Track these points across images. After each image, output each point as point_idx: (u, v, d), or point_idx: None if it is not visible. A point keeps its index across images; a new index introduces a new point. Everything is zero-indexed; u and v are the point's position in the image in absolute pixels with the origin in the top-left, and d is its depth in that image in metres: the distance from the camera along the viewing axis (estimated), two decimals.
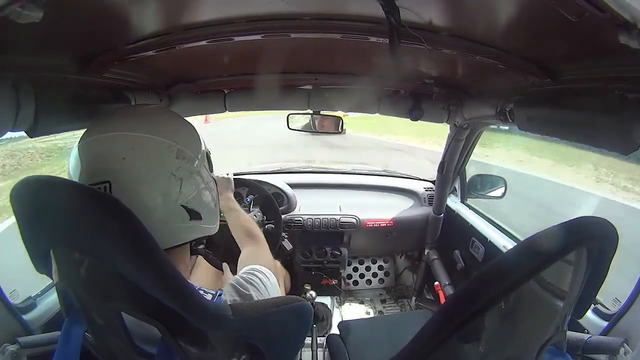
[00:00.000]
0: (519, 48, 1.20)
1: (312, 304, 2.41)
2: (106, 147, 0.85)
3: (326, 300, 2.96)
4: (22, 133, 1.01)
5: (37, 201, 0.74)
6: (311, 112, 2.22)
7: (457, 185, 2.93)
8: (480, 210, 2.71)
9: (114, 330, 0.81)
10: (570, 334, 1.13)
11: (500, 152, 10.13)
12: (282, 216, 2.07)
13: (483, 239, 2.40)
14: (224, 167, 2.27)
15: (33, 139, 1.08)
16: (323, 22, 1.18)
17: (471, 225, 2.58)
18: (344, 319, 2.74)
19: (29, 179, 0.74)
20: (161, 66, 1.59)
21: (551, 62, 1.19)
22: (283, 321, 0.89)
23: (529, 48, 1.17)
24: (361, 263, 3.42)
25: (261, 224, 2.15)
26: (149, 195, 0.84)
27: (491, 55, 1.22)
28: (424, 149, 12.15)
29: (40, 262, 0.86)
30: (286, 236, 2.63)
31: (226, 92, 2.09)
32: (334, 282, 3.13)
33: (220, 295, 0.94)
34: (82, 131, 0.91)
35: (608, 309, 1.30)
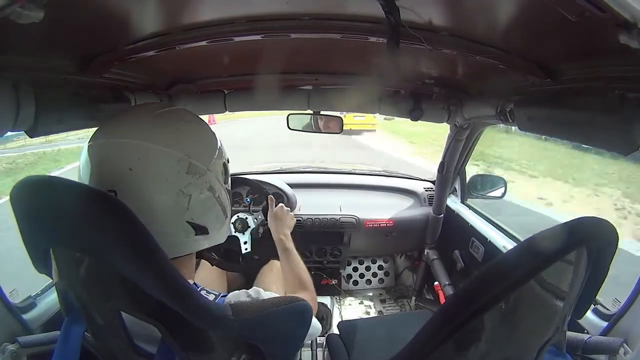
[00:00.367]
0: (519, 48, 1.20)
1: None
2: (114, 154, 0.84)
3: (326, 300, 2.96)
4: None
5: (37, 201, 0.74)
6: (311, 112, 2.22)
7: (457, 185, 2.93)
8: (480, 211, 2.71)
9: (113, 329, 0.81)
10: (570, 334, 1.13)
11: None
12: (271, 194, 2.06)
13: (483, 239, 2.40)
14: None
15: None
16: (323, 22, 1.18)
17: (471, 225, 2.58)
18: (343, 319, 2.76)
19: (28, 179, 0.74)
20: (161, 66, 1.59)
21: (551, 62, 1.19)
22: (283, 321, 0.89)
23: (529, 48, 1.17)
24: (361, 263, 3.42)
25: (262, 224, 2.15)
26: (153, 210, 0.83)
27: (491, 55, 1.22)
28: None
29: (40, 262, 0.86)
30: None
31: (226, 92, 2.09)
32: (334, 282, 3.13)
33: (223, 296, 0.94)
34: (82, 131, 0.91)
35: (608, 309, 1.30)
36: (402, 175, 3.45)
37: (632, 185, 9.08)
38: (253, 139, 15.43)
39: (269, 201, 1.96)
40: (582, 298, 0.90)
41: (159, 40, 1.20)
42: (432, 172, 2.69)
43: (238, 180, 2.31)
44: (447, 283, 2.77)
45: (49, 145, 13.02)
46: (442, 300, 2.73)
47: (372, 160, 11.17)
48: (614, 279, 0.97)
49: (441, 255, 3.01)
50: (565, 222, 0.76)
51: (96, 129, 0.91)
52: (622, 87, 0.94)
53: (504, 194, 2.69)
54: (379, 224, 2.96)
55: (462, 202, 2.91)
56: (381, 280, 3.42)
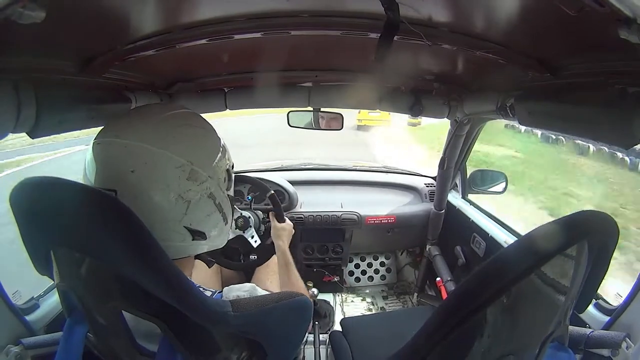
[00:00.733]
0: (519, 43, 1.19)
1: (314, 301, 2.42)
2: (117, 154, 0.85)
3: (328, 297, 2.97)
4: None
5: (37, 202, 0.74)
6: (312, 109, 2.22)
7: (458, 180, 2.93)
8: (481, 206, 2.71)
9: (115, 329, 0.81)
10: (572, 328, 1.13)
11: None
12: (272, 191, 2.07)
13: (484, 235, 2.40)
14: None
15: None
16: (323, 19, 1.17)
17: (472, 221, 2.58)
18: (346, 316, 2.77)
19: (28, 181, 0.74)
20: (161, 65, 1.59)
21: (551, 57, 1.19)
22: (283, 316, 0.90)
23: (529, 43, 1.17)
24: (363, 260, 3.43)
25: (263, 222, 2.16)
26: (150, 213, 0.84)
27: (491, 51, 1.22)
28: None
29: (41, 264, 0.86)
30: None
31: (227, 90, 2.08)
32: (336, 279, 3.14)
33: (219, 293, 0.95)
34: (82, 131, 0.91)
35: (609, 303, 1.30)
36: (402, 171, 3.45)
37: None
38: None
39: (270, 216, 1.99)
40: (584, 292, 0.90)
41: (159, 39, 1.20)
42: None
43: (239, 178, 2.31)
44: (449, 279, 2.77)
45: None
46: (445, 296, 2.73)
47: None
48: None
49: (443, 251, 3.01)
50: (565, 216, 0.76)
51: (101, 128, 0.91)
52: (622, 82, 0.94)
53: (504, 188, 2.70)
54: (381, 221, 2.96)
55: (463, 197, 2.91)
56: (383, 277, 3.43)
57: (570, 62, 1.16)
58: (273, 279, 1.99)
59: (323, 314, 2.70)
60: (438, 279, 2.84)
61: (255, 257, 2.04)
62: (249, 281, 1.21)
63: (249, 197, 2.35)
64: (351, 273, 3.40)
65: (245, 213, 2.05)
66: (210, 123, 1.03)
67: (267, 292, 0.99)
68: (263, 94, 2.06)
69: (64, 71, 1.15)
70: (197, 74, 1.93)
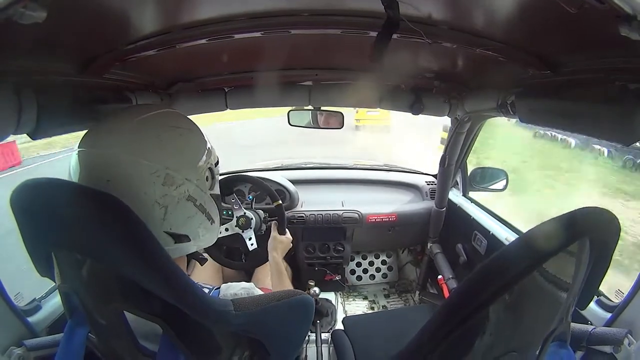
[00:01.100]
0: (519, 40, 1.19)
1: (316, 299, 2.42)
2: (94, 164, 0.84)
3: (330, 295, 2.96)
4: None
5: (37, 204, 0.74)
6: (312, 108, 2.22)
7: (458, 178, 2.93)
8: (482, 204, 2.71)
9: (117, 330, 0.81)
10: (574, 325, 1.13)
11: None
12: (280, 201, 2.08)
13: (485, 232, 2.40)
14: None
15: None
16: (323, 18, 1.17)
17: (473, 218, 2.58)
18: (348, 315, 2.76)
19: (28, 182, 0.74)
20: (161, 65, 1.59)
21: (551, 54, 1.19)
22: (285, 314, 0.90)
23: (529, 40, 1.17)
24: (364, 258, 3.42)
25: (264, 221, 2.16)
26: None
27: (491, 48, 1.22)
28: None
29: (42, 265, 0.86)
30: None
31: (227, 90, 2.08)
32: (338, 277, 3.13)
33: (217, 289, 0.95)
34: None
35: (611, 300, 1.31)
36: (403, 169, 3.44)
37: None
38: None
39: (272, 226, 2.00)
40: (586, 289, 0.90)
41: (159, 39, 1.20)
42: None
43: (240, 178, 2.31)
44: (450, 276, 2.77)
45: None
46: (446, 293, 2.73)
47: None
48: None
49: (444, 249, 3.01)
50: (566, 213, 0.76)
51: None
52: (622, 78, 0.94)
53: (505, 186, 2.69)
54: (382, 219, 2.96)
55: (464, 195, 2.91)
56: (385, 275, 3.43)
57: (571, 59, 1.16)
58: (269, 274, 2.00)
59: (325, 312, 2.70)
60: (440, 276, 2.84)
61: (244, 260, 2.06)
62: (249, 281, 1.22)
63: (250, 197, 2.35)
64: (353, 272, 3.39)
65: (249, 213, 2.06)
66: (193, 121, 1.01)
67: (262, 288, 1.00)
68: (263, 93, 2.06)
69: (65, 72, 1.16)
70: (198, 74, 1.93)
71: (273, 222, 2.02)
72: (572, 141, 12.17)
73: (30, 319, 1.28)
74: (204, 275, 1.94)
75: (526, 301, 0.79)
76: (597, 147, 11.08)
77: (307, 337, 2.20)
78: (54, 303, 1.40)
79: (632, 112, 0.88)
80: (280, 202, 2.05)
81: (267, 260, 1.87)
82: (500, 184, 2.71)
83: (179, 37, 1.21)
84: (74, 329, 0.87)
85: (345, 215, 2.91)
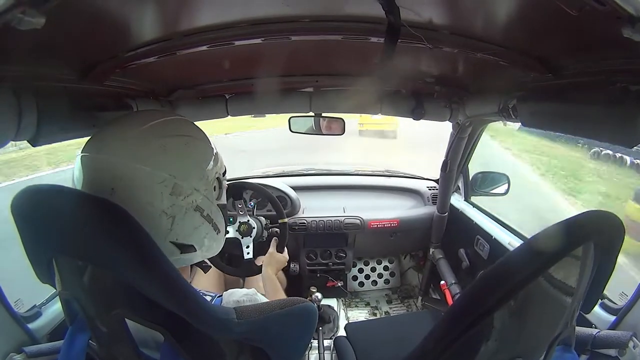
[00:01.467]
0: (520, 44, 1.19)
1: (318, 306, 2.41)
2: (98, 171, 0.83)
3: (332, 302, 2.96)
4: None
5: (38, 210, 0.74)
6: (313, 114, 2.22)
7: (460, 183, 2.92)
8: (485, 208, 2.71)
9: (118, 337, 0.81)
10: (579, 329, 1.13)
11: None
12: (286, 219, 2.08)
13: (488, 237, 2.39)
14: None
15: None
16: (323, 24, 1.17)
17: (475, 223, 2.58)
18: (350, 321, 2.75)
19: (29, 189, 0.74)
20: (162, 72, 1.59)
21: (552, 57, 1.19)
22: (288, 322, 0.89)
23: (530, 44, 1.17)
24: (366, 264, 3.41)
25: (265, 228, 2.15)
26: None
27: (492, 52, 1.22)
28: None
29: (43, 272, 0.86)
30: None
31: (228, 96, 2.08)
32: (340, 284, 3.12)
33: (219, 297, 0.94)
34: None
35: (615, 303, 1.30)
36: (405, 175, 3.44)
37: None
38: None
39: (272, 242, 2.02)
40: (590, 292, 0.90)
41: (159, 46, 1.20)
42: None
43: (241, 185, 2.31)
44: (453, 282, 2.76)
45: None
46: (449, 299, 2.72)
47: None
48: None
49: (446, 254, 3.00)
50: (571, 217, 0.76)
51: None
52: (624, 80, 0.94)
53: (507, 190, 2.69)
54: (384, 225, 2.96)
55: (466, 200, 2.90)
56: (387, 281, 3.41)
57: (572, 61, 1.15)
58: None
59: (327, 319, 2.69)
60: (442, 282, 2.83)
61: (237, 266, 2.08)
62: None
63: (252, 204, 2.35)
64: (355, 278, 3.38)
65: (252, 221, 2.06)
66: (201, 129, 1.01)
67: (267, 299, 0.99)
68: (264, 99, 2.06)
69: (65, 79, 1.16)
70: (198, 81, 1.93)
71: (274, 238, 2.03)
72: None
73: (30, 326, 1.28)
74: (205, 282, 1.93)
75: (531, 306, 0.78)
76: None
77: (309, 344, 2.19)
78: (55, 310, 1.39)
79: (634, 114, 0.88)
80: (286, 220, 2.06)
81: (260, 272, 1.88)
82: (502, 188, 2.70)
83: (179, 44, 1.21)
84: (75, 335, 0.87)
85: (347, 222, 2.90)
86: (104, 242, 0.68)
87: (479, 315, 0.69)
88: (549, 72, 1.22)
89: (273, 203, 2.14)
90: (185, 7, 1.05)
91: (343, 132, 2.32)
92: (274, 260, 1.88)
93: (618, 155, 9.75)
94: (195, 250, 0.94)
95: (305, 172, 3.54)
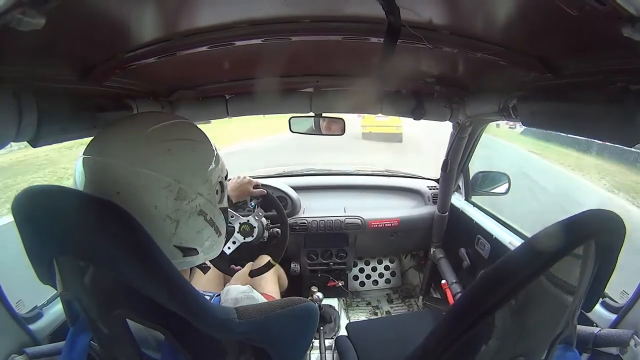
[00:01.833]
0: (520, 44, 1.19)
1: (319, 306, 2.41)
2: (102, 174, 0.83)
3: (333, 302, 2.95)
4: None
5: (40, 210, 0.74)
6: (313, 114, 2.22)
7: (460, 183, 2.92)
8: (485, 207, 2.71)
9: (119, 337, 0.81)
10: (580, 327, 1.13)
11: None
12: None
13: (488, 236, 2.40)
14: None
15: None
16: (324, 24, 1.17)
17: (476, 222, 2.58)
18: (351, 321, 2.75)
19: (30, 189, 0.74)
20: (162, 73, 1.59)
21: (552, 57, 1.19)
22: (289, 322, 0.89)
23: (530, 43, 1.17)
24: (367, 264, 3.42)
25: (267, 228, 2.16)
26: None
27: (492, 52, 1.22)
28: None
29: (44, 272, 0.85)
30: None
31: (228, 97, 2.08)
32: (341, 283, 3.12)
33: (217, 295, 0.95)
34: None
35: (616, 301, 1.30)
36: (405, 175, 3.44)
37: None
38: None
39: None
40: (591, 291, 0.90)
41: (159, 47, 1.20)
42: None
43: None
44: (454, 281, 2.76)
45: None
46: (450, 298, 2.72)
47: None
48: None
49: (447, 254, 3.00)
50: (572, 216, 0.76)
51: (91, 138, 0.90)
52: (624, 80, 0.94)
53: (508, 189, 2.69)
54: (384, 224, 2.96)
55: (467, 199, 2.90)
56: (388, 281, 3.42)
57: (572, 61, 1.15)
58: (274, 285, 2.04)
59: (328, 319, 2.69)
60: (443, 281, 2.83)
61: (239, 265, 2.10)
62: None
63: (252, 204, 2.35)
64: (356, 277, 3.39)
65: (252, 222, 2.06)
66: (203, 131, 1.01)
67: (263, 294, 0.99)
68: (265, 100, 2.05)
69: (65, 80, 1.15)
70: (198, 81, 1.93)
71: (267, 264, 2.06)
72: None
73: (31, 327, 1.28)
74: (205, 281, 1.94)
75: (532, 305, 0.78)
76: None
77: (310, 344, 2.19)
78: (56, 310, 1.39)
79: (634, 113, 0.88)
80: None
81: (228, 272, 1.92)
82: (502, 188, 2.70)
83: (179, 44, 1.21)
84: (76, 336, 0.87)
85: (348, 221, 2.90)
86: (105, 243, 0.68)
87: (480, 315, 0.69)
88: (549, 71, 1.22)
89: (274, 204, 2.14)
90: (185, 8, 1.05)
91: (343, 132, 2.32)
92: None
93: None
94: (198, 253, 0.95)
95: (305, 172, 3.54)
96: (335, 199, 3.16)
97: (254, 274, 2.00)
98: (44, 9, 0.62)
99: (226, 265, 2.01)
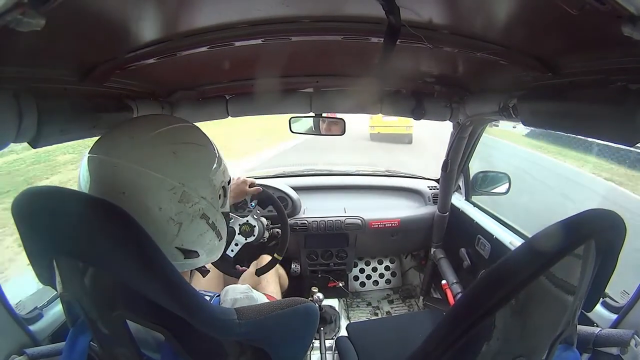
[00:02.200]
0: (520, 43, 1.19)
1: (319, 306, 2.41)
2: (109, 175, 0.83)
3: (333, 302, 2.95)
4: None
5: (40, 211, 0.74)
6: (313, 114, 2.22)
7: (461, 183, 2.92)
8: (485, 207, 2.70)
9: (119, 338, 0.81)
10: (580, 327, 1.13)
11: None
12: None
13: (489, 236, 2.40)
14: None
15: None
16: (323, 24, 1.17)
17: (476, 222, 2.58)
18: (352, 321, 2.75)
19: (30, 190, 0.74)
20: (162, 74, 1.59)
21: (552, 56, 1.19)
22: (289, 323, 0.89)
23: (530, 43, 1.17)
24: (367, 264, 3.42)
25: (267, 228, 2.15)
26: None
27: (492, 52, 1.22)
28: None
29: (44, 274, 0.86)
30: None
31: (228, 97, 2.08)
32: (341, 284, 3.12)
33: (218, 296, 0.95)
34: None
35: (616, 301, 1.30)
36: (405, 175, 3.44)
37: None
38: None
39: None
40: (592, 291, 0.90)
41: (159, 47, 1.20)
42: None
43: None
44: (454, 281, 2.76)
45: None
46: (450, 298, 2.72)
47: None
48: None
49: (447, 254, 3.00)
50: (572, 216, 0.76)
51: (97, 138, 0.91)
52: (624, 79, 0.94)
53: (508, 189, 2.69)
54: (385, 225, 2.96)
55: (467, 199, 2.90)
56: (388, 281, 3.42)
57: (572, 60, 1.15)
58: (275, 285, 2.05)
59: (328, 319, 2.68)
60: (443, 281, 2.83)
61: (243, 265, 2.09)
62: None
63: (252, 205, 2.35)
64: (356, 278, 3.39)
65: (252, 222, 2.06)
66: (207, 135, 1.01)
67: (262, 294, 0.99)
68: (265, 100, 2.06)
69: (65, 80, 1.15)
70: (198, 82, 1.93)
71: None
72: None
73: (32, 328, 1.28)
74: (204, 282, 1.94)
75: (533, 306, 0.78)
76: None
77: (311, 345, 2.19)
78: (56, 311, 1.39)
79: (634, 112, 0.88)
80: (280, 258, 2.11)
81: (234, 275, 1.92)
82: (502, 188, 2.70)
83: (179, 44, 1.21)
84: (76, 337, 0.87)
85: (348, 222, 2.90)
86: (105, 244, 0.68)
87: (480, 315, 0.69)
88: (549, 71, 1.22)
89: (273, 202, 2.14)
90: (185, 8, 1.05)
91: (343, 132, 2.32)
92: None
93: None
94: (199, 256, 0.95)
95: (306, 172, 3.53)
96: (336, 199, 3.16)
97: (260, 272, 2.01)
98: (44, 9, 0.62)
99: (231, 267, 2.01)
